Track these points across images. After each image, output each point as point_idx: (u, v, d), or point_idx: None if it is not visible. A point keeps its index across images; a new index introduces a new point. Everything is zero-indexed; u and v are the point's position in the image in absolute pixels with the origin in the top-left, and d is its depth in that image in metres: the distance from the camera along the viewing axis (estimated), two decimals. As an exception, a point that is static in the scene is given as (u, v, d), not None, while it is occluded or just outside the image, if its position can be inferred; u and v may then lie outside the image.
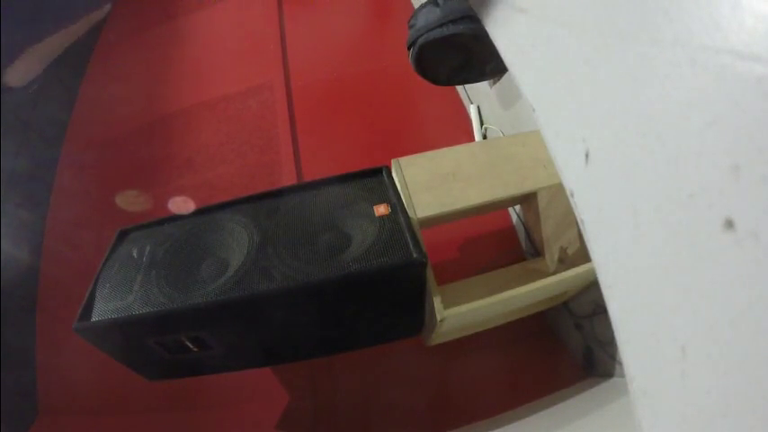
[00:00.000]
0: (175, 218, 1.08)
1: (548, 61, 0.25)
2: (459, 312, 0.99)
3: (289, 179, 1.80)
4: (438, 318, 0.98)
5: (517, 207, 1.57)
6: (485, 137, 1.76)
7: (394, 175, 1.12)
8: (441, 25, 1.36)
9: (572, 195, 0.24)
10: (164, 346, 0.97)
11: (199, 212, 1.09)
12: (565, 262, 1.25)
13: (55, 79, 2.05)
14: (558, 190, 1.20)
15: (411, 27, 1.41)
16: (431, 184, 1.12)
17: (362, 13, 2.51)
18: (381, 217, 0.99)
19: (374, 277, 0.90)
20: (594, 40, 0.22)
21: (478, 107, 1.82)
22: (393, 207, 1.01)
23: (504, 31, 0.28)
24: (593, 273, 0.22)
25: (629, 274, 0.20)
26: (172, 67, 2.36)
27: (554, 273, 1.22)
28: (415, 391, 1.37)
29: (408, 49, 1.47)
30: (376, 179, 1.10)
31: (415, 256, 0.90)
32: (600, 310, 1.23)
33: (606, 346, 1.22)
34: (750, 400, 0.15)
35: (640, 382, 0.20)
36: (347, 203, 1.04)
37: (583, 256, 1.15)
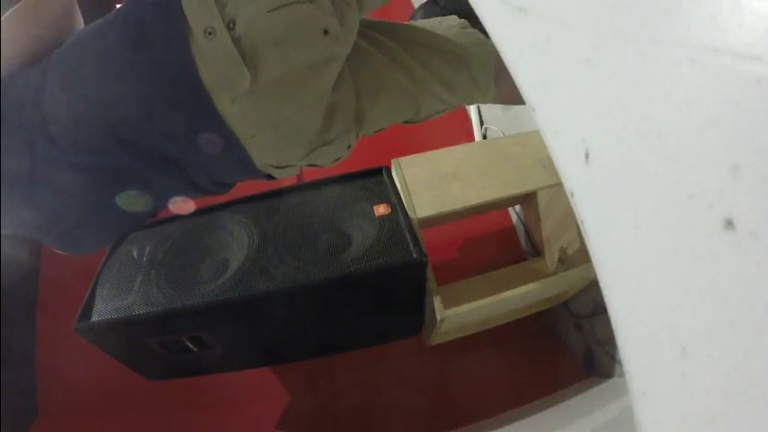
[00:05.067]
0: (175, 218, 1.08)
1: (548, 61, 0.25)
2: (459, 312, 0.99)
3: (289, 179, 1.80)
4: (438, 318, 0.98)
5: (517, 207, 1.57)
6: (485, 137, 1.76)
7: (394, 175, 1.12)
8: (441, 25, 1.35)
9: (572, 195, 0.24)
10: (164, 346, 0.97)
11: (199, 212, 1.09)
12: (565, 262, 1.25)
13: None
14: (558, 190, 1.20)
15: (411, 27, 1.41)
16: (431, 184, 1.12)
17: (362, 13, 2.50)
18: (381, 217, 0.99)
19: (374, 277, 0.90)
20: (594, 40, 0.22)
21: (478, 107, 1.82)
22: (393, 207, 1.00)
23: (504, 31, 0.28)
24: (593, 273, 0.22)
25: (629, 274, 0.20)
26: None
27: (554, 273, 1.22)
28: (415, 391, 1.37)
29: (408, 49, 1.47)
30: (376, 179, 1.09)
31: (415, 255, 0.90)
32: (600, 310, 1.23)
33: (606, 346, 1.22)
34: (750, 401, 0.15)
35: (640, 382, 0.20)
36: (347, 203, 1.04)
37: (583, 256, 1.15)
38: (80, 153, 0.54)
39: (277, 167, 0.65)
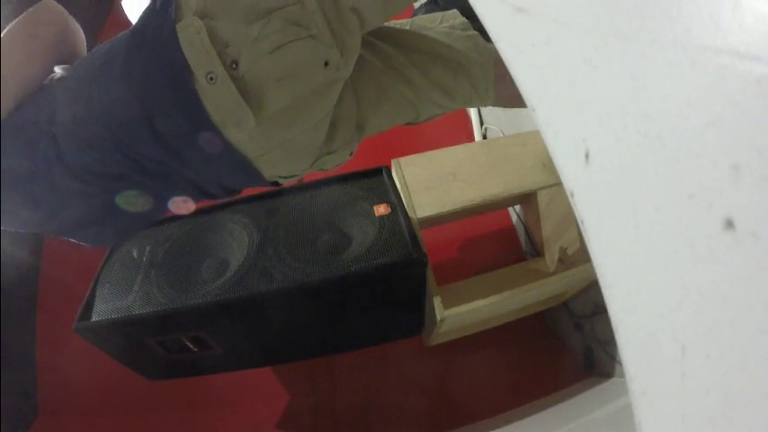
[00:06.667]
0: (175, 218, 1.08)
1: (548, 61, 0.25)
2: (459, 312, 0.99)
3: (289, 179, 1.79)
4: (438, 318, 0.98)
5: (517, 207, 1.57)
6: (485, 137, 1.76)
7: (394, 175, 1.11)
8: (441, 25, 1.35)
9: (572, 195, 0.24)
10: (164, 346, 0.97)
11: (199, 212, 1.09)
12: (565, 262, 1.25)
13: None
14: (558, 190, 1.20)
15: (411, 27, 1.40)
16: (431, 184, 1.12)
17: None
18: (381, 217, 0.99)
19: (374, 277, 0.90)
20: (594, 40, 0.22)
21: (478, 107, 1.81)
22: (393, 207, 1.01)
23: (503, 31, 0.28)
24: (593, 273, 0.22)
25: (629, 274, 0.20)
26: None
27: (554, 273, 1.22)
28: (415, 391, 1.37)
29: (408, 49, 1.47)
30: (376, 179, 1.09)
31: (414, 255, 0.90)
32: (600, 310, 1.23)
33: (606, 346, 1.22)
34: (750, 400, 0.15)
35: (640, 382, 0.20)
36: (347, 203, 1.04)
37: (583, 256, 1.15)
38: (84, 173, 0.56)
39: (284, 177, 0.68)
